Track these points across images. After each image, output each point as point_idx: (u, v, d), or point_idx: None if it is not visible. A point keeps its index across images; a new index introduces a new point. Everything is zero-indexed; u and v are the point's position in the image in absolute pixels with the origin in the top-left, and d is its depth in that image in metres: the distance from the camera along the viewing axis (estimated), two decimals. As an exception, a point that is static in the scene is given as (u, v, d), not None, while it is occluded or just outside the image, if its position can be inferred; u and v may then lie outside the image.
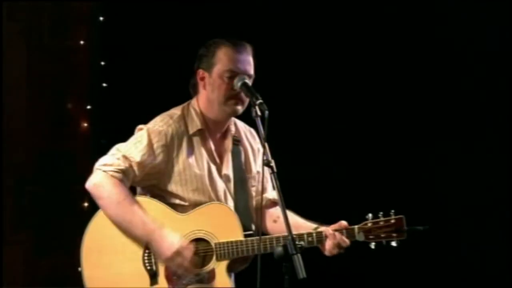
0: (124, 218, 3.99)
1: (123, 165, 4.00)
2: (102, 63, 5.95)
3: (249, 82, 3.99)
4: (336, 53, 5.97)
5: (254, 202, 4.25)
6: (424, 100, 5.96)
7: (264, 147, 3.61)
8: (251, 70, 4.07)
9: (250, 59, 4.08)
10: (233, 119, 4.22)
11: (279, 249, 3.45)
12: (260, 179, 4.24)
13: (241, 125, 4.28)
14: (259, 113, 3.67)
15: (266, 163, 3.57)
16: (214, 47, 4.08)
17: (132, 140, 4.07)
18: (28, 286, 5.86)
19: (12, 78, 5.87)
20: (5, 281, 5.71)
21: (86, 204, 5.61)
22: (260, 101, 3.71)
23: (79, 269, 4.08)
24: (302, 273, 3.38)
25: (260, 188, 4.25)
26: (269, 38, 5.83)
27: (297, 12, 5.95)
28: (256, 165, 4.28)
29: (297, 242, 3.43)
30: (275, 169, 3.57)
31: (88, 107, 6.01)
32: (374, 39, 5.97)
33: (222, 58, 4.05)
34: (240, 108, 4.06)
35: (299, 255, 3.41)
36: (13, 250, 5.84)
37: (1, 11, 5.85)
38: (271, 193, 4.27)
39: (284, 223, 3.49)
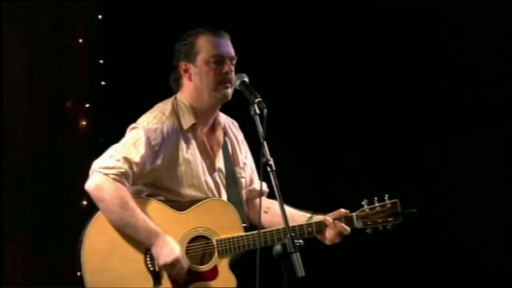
0: (128, 221, 3.98)
1: (123, 167, 4.00)
2: (101, 61, 5.95)
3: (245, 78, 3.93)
4: (335, 52, 5.97)
5: (244, 194, 4.30)
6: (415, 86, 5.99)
7: (262, 145, 3.60)
8: (233, 52, 4.16)
9: (230, 43, 4.16)
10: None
11: (278, 248, 3.45)
12: (248, 170, 4.33)
13: (223, 116, 4.32)
14: (257, 111, 3.66)
15: (265, 162, 3.56)
16: (193, 37, 4.16)
17: (129, 140, 4.08)
18: (27, 286, 5.84)
19: (11, 78, 5.86)
20: (5, 280, 5.70)
21: (84, 203, 5.61)
22: (259, 99, 3.70)
23: (78, 273, 4.05)
24: (301, 271, 3.38)
25: (248, 180, 4.33)
26: (268, 37, 5.85)
27: (296, 11, 5.95)
28: (242, 156, 4.34)
29: (295, 241, 3.42)
30: (274, 168, 3.56)
31: (87, 105, 6.00)
32: (370, 37, 5.99)
33: (204, 45, 4.13)
34: (230, 91, 4.12)
35: (298, 253, 3.41)
36: (13, 250, 5.82)
37: (0, 10, 5.83)
38: (259, 184, 4.27)
39: (284, 223, 3.51)
